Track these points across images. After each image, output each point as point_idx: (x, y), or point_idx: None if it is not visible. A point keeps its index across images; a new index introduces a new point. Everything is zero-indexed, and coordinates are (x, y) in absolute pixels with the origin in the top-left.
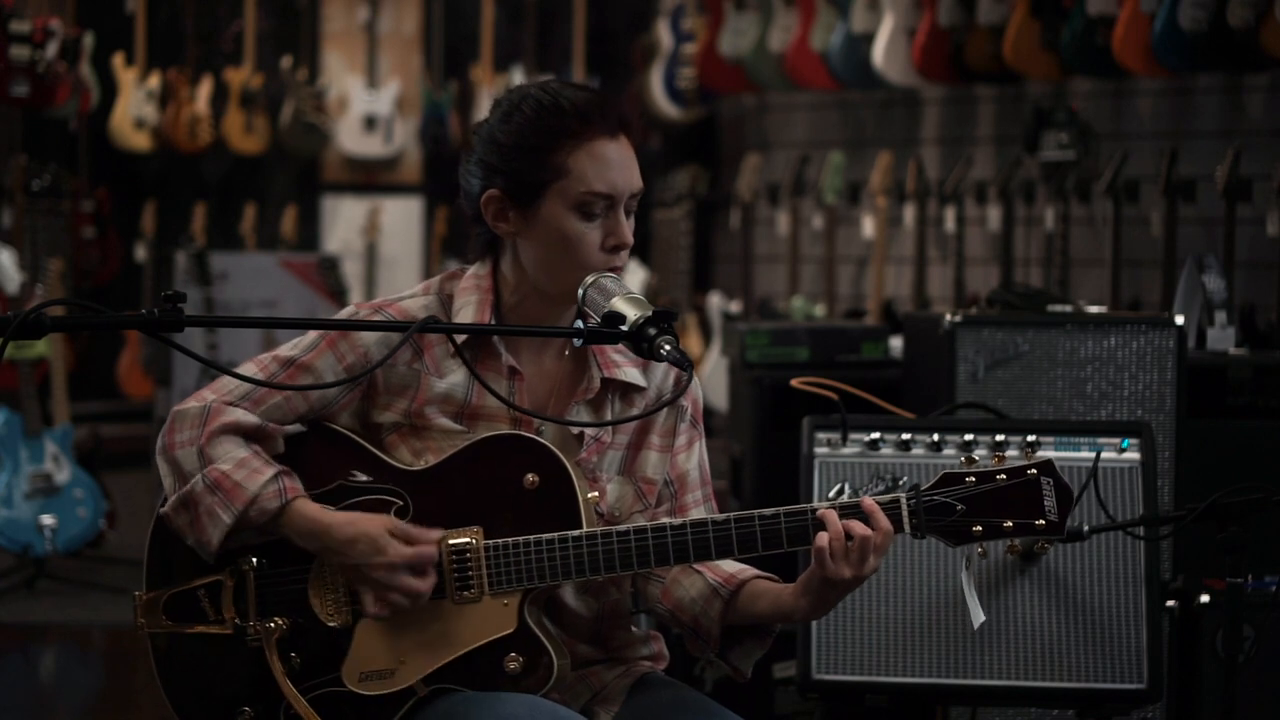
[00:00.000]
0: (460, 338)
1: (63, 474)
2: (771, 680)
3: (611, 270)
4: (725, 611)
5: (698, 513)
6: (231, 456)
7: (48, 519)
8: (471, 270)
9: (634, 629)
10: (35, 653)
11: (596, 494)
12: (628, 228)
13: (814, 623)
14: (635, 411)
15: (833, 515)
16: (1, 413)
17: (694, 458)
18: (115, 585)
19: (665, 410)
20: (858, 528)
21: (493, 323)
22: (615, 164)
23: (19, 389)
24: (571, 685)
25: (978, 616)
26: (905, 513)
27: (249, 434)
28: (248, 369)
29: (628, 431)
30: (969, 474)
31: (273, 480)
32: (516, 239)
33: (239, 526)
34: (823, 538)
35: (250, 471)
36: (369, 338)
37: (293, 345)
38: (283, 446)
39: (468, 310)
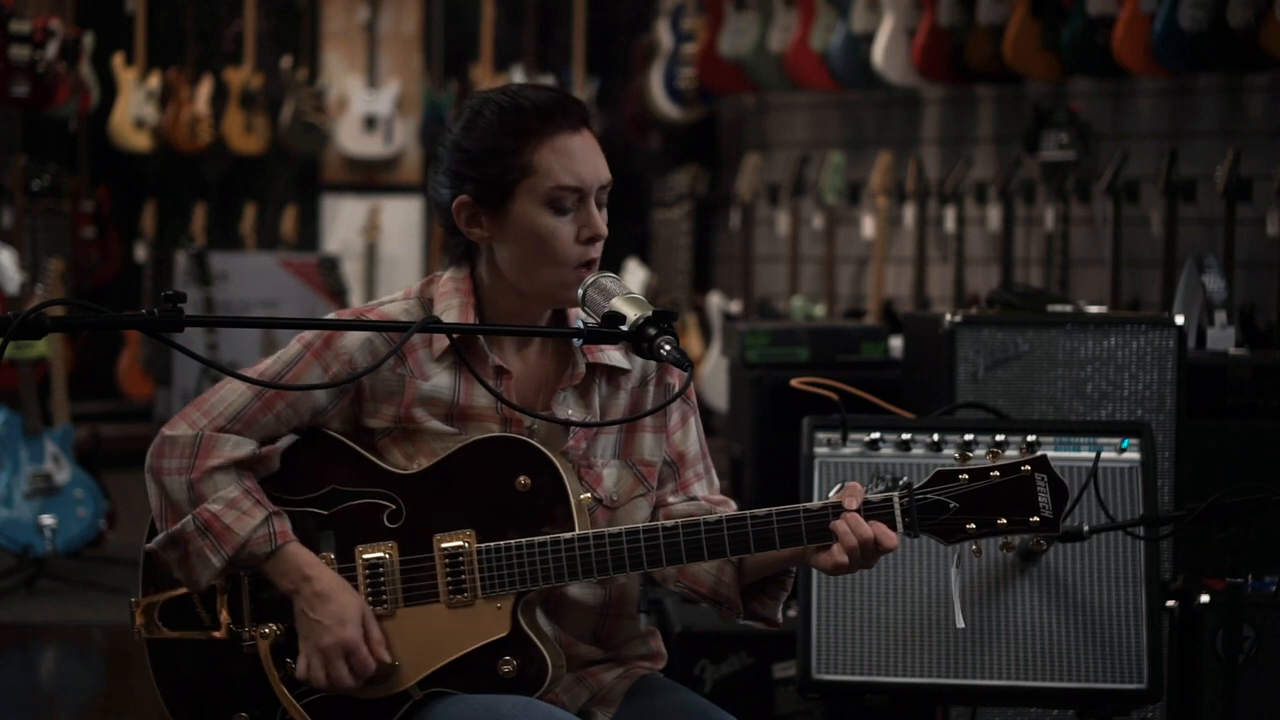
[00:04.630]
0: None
1: (63, 474)
2: (771, 680)
3: (588, 263)
4: (739, 574)
5: (699, 486)
6: (222, 496)
7: (48, 519)
8: (448, 274)
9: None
10: (35, 653)
11: (589, 494)
12: (600, 219)
13: (814, 623)
14: (623, 393)
15: (858, 526)
16: (1, 413)
17: (690, 434)
18: (115, 585)
19: (653, 392)
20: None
21: (477, 323)
22: (580, 157)
23: (19, 389)
24: (569, 687)
25: (959, 619)
26: (898, 511)
27: (242, 465)
28: (235, 389)
29: (619, 415)
30: (962, 471)
31: (263, 524)
32: (492, 243)
33: (227, 569)
34: (840, 552)
35: (240, 514)
36: (352, 345)
37: (274, 360)
38: (278, 465)
39: (450, 314)
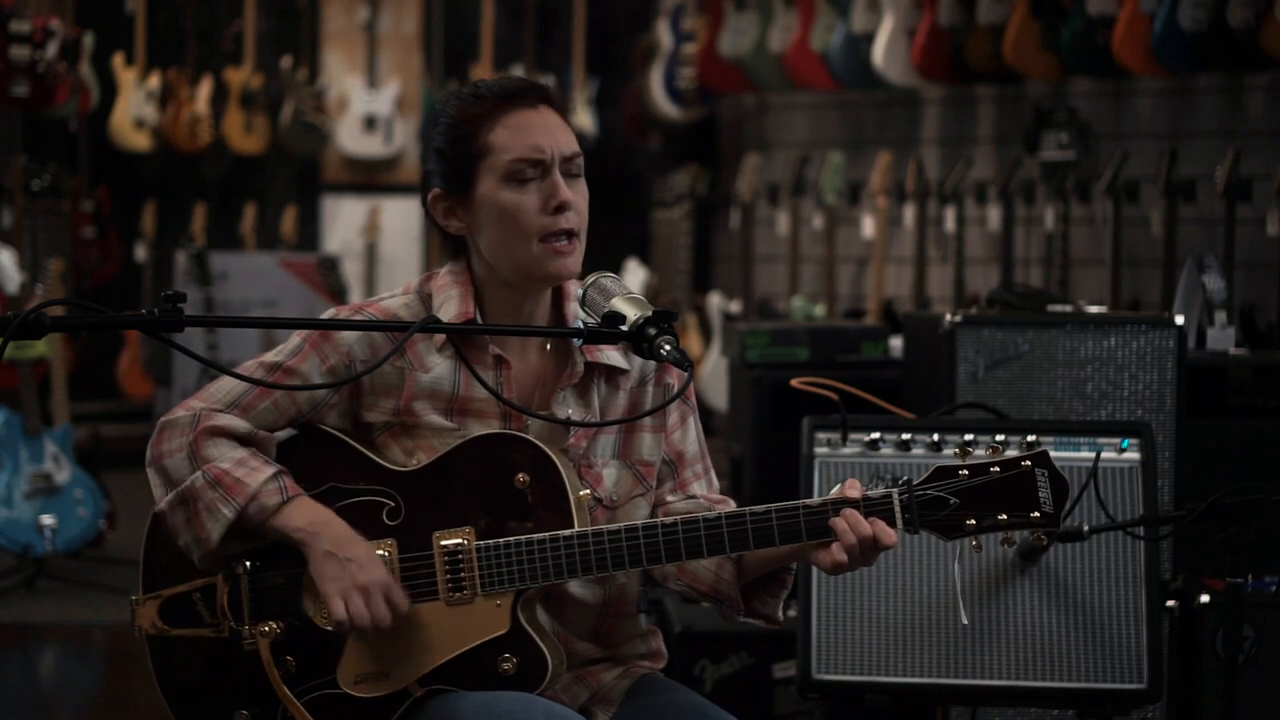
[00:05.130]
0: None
1: (63, 474)
2: (771, 680)
3: (559, 233)
4: (739, 572)
5: (698, 486)
6: (229, 456)
7: (48, 519)
8: (445, 269)
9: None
10: (35, 653)
11: (588, 491)
12: (566, 188)
13: (814, 623)
14: (622, 393)
15: (858, 523)
16: (1, 413)
17: (689, 434)
18: (115, 585)
19: (652, 392)
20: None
21: (477, 312)
22: (536, 129)
23: (19, 389)
24: (569, 685)
25: (963, 615)
26: (898, 508)
27: (241, 439)
28: (233, 380)
29: (618, 415)
30: (962, 467)
31: (273, 478)
32: (470, 234)
33: (239, 523)
34: (839, 550)
35: (250, 469)
36: (350, 338)
37: (276, 351)
38: (274, 453)
39: (450, 304)
